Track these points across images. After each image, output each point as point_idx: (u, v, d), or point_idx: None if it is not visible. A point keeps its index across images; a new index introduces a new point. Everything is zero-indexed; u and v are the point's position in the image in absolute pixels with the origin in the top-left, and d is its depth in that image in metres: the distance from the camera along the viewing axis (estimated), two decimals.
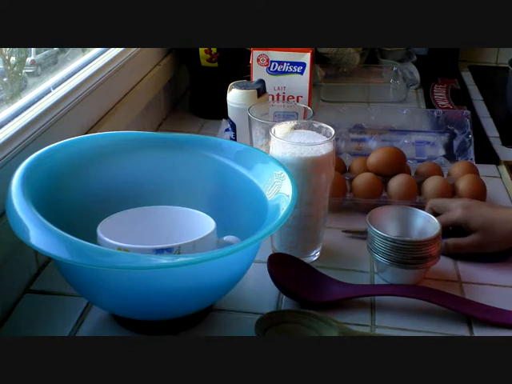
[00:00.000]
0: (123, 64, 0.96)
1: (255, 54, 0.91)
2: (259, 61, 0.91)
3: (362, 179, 0.85)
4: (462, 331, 0.64)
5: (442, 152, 1.00)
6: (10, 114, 0.71)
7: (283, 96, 0.93)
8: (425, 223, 0.72)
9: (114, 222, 0.65)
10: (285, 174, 0.65)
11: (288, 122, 0.74)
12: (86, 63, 0.90)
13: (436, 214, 0.75)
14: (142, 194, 0.71)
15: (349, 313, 0.67)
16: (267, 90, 0.89)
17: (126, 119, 0.96)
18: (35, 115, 0.72)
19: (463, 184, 0.84)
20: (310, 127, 0.73)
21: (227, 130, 0.94)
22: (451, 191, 0.85)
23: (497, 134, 1.12)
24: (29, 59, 0.84)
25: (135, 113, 1.00)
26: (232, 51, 1.10)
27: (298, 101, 0.92)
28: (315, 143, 0.70)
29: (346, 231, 0.81)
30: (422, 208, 0.76)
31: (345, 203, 0.86)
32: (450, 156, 0.99)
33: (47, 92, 0.78)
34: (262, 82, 0.88)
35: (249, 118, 0.79)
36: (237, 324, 0.65)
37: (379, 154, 0.88)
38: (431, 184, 0.85)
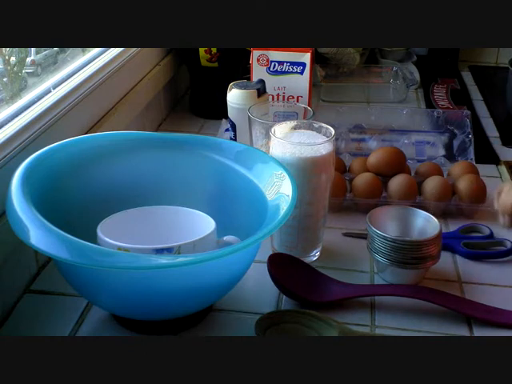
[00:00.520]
0: (123, 64, 0.96)
1: (255, 53, 0.91)
2: (259, 61, 0.91)
3: (362, 179, 0.85)
4: (462, 331, 0.64)
5: (441, 152, 1.00)
6: (10, 114, 0.71)
7: (283, 96, 0.93)
8: (425, 223, 0.72)
9: (114, 222, 0.65)
10: (285, 174, 0.65)
11: (288, 122, 0.74)
12: (86, 63, 0.90)
13: None
14: (142, 194, 0.71)
15: (349, 313, 0.67)
16: (267, 90, 0.89)
17: (126, 119, 0.96)
18: (35, 115, 0.72)
19: (463, 184, 0.84)
20: (310, 127, 0.73)
21: (227, 129, 0.94)
22: (451, 191, 0.85)
23: (497, 134, 1.12)
24: (29, 59, 0.84)
25: (135, 113, 1.00)
26: (232, 51, 1.10)
27: (297, 101, 0.92)
28: (315, 143, 0.70)
29: (346, 234, 0.81)
30: (422, 208, 0.76)
31: (345, 203, 0.86)
32: (450, 156, 0.99)
33: (47, 92, 0.78)
34: (262, 81, 0.88)
35: (249, 118, 0.79)
36: (237, 324, 0.65)
37: (379, 154, 0.88)
38: (431, 184, 0.85)
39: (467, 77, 1.41)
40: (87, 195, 0.68)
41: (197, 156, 0.72)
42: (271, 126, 0.72)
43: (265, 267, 0.68)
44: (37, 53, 0.86)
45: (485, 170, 0.95)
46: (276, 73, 0.92)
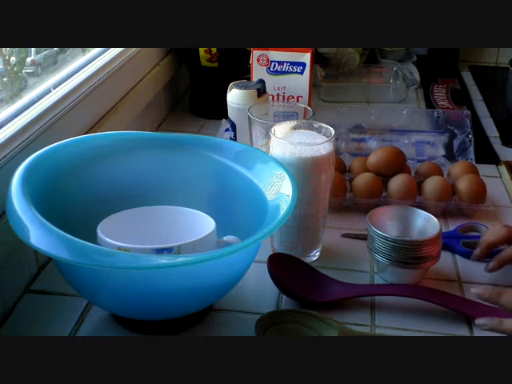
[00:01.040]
0: (123, 64, 0.96)
1: (255, 53, 0.91)
2: (259, 61, 0.91)
3: (362, 179, 0.85)
4: (462, 331, 0.64)
5: (442, 152, 1.00)
6: (10, 114, 0.71)
7: (283, 96, 0.93)
8: (425, 223, 0.72)
9: (114, 222, 0.65)
10: (285, 174, 0.65)
11: (288, 122, 0.74)
12: (86, 63, 0.90)
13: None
14: (142, 194, 0.71)
15: (349, 313, 0.67)
16: (267, 90, 0.89)
17: (126, 119, 0.96)
18: (35, 115, 0.72)
19: (463, 184, 0.84)
20: (310, 127, 0.73)
21: (227, 129, 0.94)
22: (451, 191, 0.85)
23: (497, 134, 1.12)
24: (29, 59, 0.84)
25: (135, 113, 1.00)
26: (232, 51, 1.10)
27: (297, 101, 0.92)
28: (315, 143, 0.70)
29: (345, 235, 0.81)
30: (422, 208, 0.76)
31: (345, 203, 0.86)
32: (450, 156, 0.99)
33: (47, 92, 0.78)
34: (262, 81, 0.88)
35: (249, 118, 0.79)
36: (237, 324, 0.65)
37: (379, 154, 0.88)
38: (431, 184, 0.85)
39: (467, 77, 1.41)
40: (87, 195, 0.68)
41: (197, 156, 0.72)
42: (271, 126, 0.72)
43: (265, 267, 0.68)
44: (37, 53, 0.86)
45: (485, 170, 0.95)
46: (276, 73, 0.92)
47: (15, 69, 0.80)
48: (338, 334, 0.61)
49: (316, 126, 0.73)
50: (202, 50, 1.09)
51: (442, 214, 0.84)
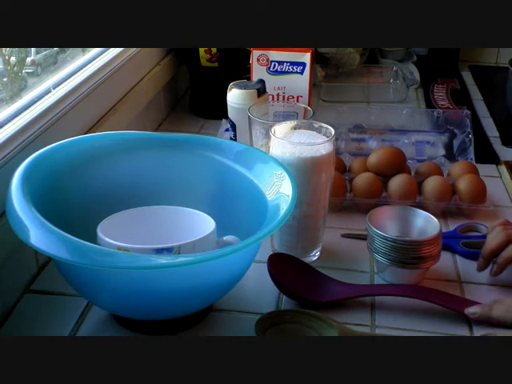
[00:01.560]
0: (123, 64, 0.96)
1: (255, 53, 0.91)
2: (259, 61, 0.91)
3: (362, 179, 0.85)
4: (462, 331, 0.64)
5: (442, 152, 1.00)
6: (10, 114, 0.71)
7: (283, 96, 0.93)
8: (425, 223, 0.72)
9: (114, 222, 0.65)
10: (285, 174, 0.65)
11: (288, 122, 0.74)
12: (86, 63, 0.90)
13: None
14: (142, 194, 0.71)
15: (349, 313, 0.67)
16: (267, 90, 0.89)
17: (126, 119, 0.96)
18: (35, 115, 0.72)
19: (463, 184, 0.84)
20: (310, 127, 0.73)
21: (227, 129, 0.94)
22: (451, 191, 0.85)
23: (497, 134, 1.12)
24: (29, 59, 0.84)
25: (135, 113, 1.00)
26: (232, 51, 1.10)
27: (297, 101, 0.92)
28: (315, 143, 0.70)
29: (345, 235, 0.81)
30: (422, 208, 0.76)
31: (345, 203, 0.86)
32: (450, 156, 0.99)
33: (47, 92, 0.78)
34: (262, 81, 0.88)
35: (249, 118, 0.79)
36: (237, 324, 0.65)
37: (379, 154, 0.88)
38: (431, 184, 0.85)
39: (467, 77, 1.41)
40: (87, 195, 0.68)
41: (197, 156, 0.72)
42: (271, 126, 0.72)
43: (265, 267, 0.68)
44: (37, 53, 0.86)
45: (485, 169, 0.95)
46: (276, 73, 0.92)
47: (15, 69, 0.80)
48: (338, 334, 0.61)
49: (316, 126, 0.73)
50: (202, 50, 1.09)
51: (442, 214, 0.84)
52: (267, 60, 0.91)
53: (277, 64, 0.91)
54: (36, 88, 0.78)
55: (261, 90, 0.87)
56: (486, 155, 1.02)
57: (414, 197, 0.84)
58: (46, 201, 0.60)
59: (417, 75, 1.33)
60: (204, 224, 0.65)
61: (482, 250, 0.73)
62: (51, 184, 0.63)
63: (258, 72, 0.92)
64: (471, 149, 0.99)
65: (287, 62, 0.91)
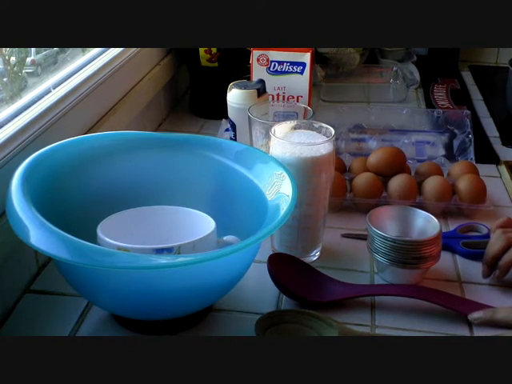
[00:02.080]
0: (123, 64, 0.96)
1: (255, 53, 0.91)
2: (259, 61, 0.91)
3: (362, 179, 0.85)
4: (462, 331, 0.64)
5: (442, 152, 1.00)
6: (10, 114, 0.71)
7: (283, 96, 0.93)
8: (425, 223, 0.72)
9: (114, 222, 0.65)
10: (285, 174, 0.64)
11: (288, 122, 0.74)
12: (86, 63, 0.90)
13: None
14: (142, 194, 0.71)
15: (349, 313, 0.67)
16: (267, 90, 0.89)
17: (126, 119, 0.96)
18: (35, 115, 0.72)
19: (463, 184, 0.84)
20: (310, 127, 0.73)
21: (227, 129, 0.94)
22: (451, 191, 0.85)
23: (497, 134, 1.12)
24: (29, 59, 0.84)
25: (135, 113, 1.00)
26: (232, 51, 1.10)
27: (297, 101, 0.92)
28: (315, 143, 0.70)
29: (345, 235, 0.81)
30: (422, 208, 0.76)
31: (345, 203, 0.86)
32: (450, 156, 0.99)
33: (47, 92, 0.78)
34: (262, 81, 0.88)
35: (249, 118, 0.79)
36: (237, 324, 0.65)
37: (379, 154, 0.88)
38: (431, 184, 0.85)
39: (467, 77, 1.41)
40: (87, 195, 0.68)
41: (197, 156, 0.72)
42: (271, 126, 0.72)
43: (265, 267, 0.68)
44: (37, 53, 0.86)
45: (485, 169, 0.95)
46: (276, 73, 0.92)
47: (15, 69, 0.80)
48: (338, 334, 0.61)
49: (316, 125, 0.73)
50: (202, 50, 1.09)
51: (442, 214, 0.84)
52: (267, 60, 0.91)
53: (277, 64, 0.91)
54: (36, 88, 0.78)
55: (261, 90, 0.87)
56: (486, 155, 1.02)
57: (414, 197, 0.84)
58: (46, 201, 0.60)
59: (417, 75, 1.33)
60: (204, 224, 0.65)
61: (484, 256, 0.72)
62: (51, 184, 0.63)
63: (257, 72, 0.92)
64: (471, 149, 0.99)
65: (287, 62, 0.91)
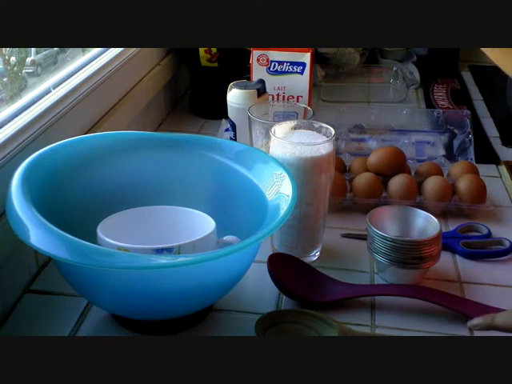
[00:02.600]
0: (123, 64, 0.96)
1: (255, 53, 0.91)
2: (259, 61, 0.91)
3: (362, 179, 0.85)
4: (461, 331, 0.64)
5: (442, 152, 1.00)
6: (10, 114, 0.71)
7: (283, 96, 0.93)
8: (425, 223, 0.72)
9: (114, 222, 0.65)
10: (285, 174, 0.65)
11: (288, 122, 0.74)
12: (86, 63, 0.90)
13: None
14: (142, 194, 0.71)
15: (349, 313, 0.67)
16: (267, 90, 0.89)
17: (126, 119, 0.96)
18: (35, 115, 0.72)
19: (463, 184, 0.84)
20: (310, 127, 0.73)
21: (227, 129, 0.94)
22: (451, 191, 0.85)
23: (497, 134, 1.12)
24: (29, 59, 0.84)
25: (135, 113, 1.00)
26: (232, 51, 1.10)
27: (297, 101, 0.92)
28: (315, 143, 0.70)
29: (345, 235, 0.81)
30: (422, 208, 0.76)
31: (345, 203, 0.86)
32: (450, 156, 0.99)
33: (47, 92, 0.78)
34: (262, 81, 0.88)
35: (249, 118, 0.79)
36: (237, 324, 0.65)
37: (379, 154, 0.88)
38: (431, 184, 0.85)
39: (467, 77, 1.41)
40: (87, 195, 0.68)
41: (197, 156, 0.72)
42: (271, 126, 0.72)
43: (265, 267, 0.68)
44: (37, 53, 0.86)
45: (485, 170, 0.95)
46: (276, 73, 0.92)
47: (15, 69, 0.80)
48: (338, 333, 0.61)
49: (316, 125, 0.73)
50: (202, 50, 1.09)
51: (442, 214, 0.84)
52: (267, 60, 0.91)
53: (277, 64, 0.91)
54: (36, 88, 0.78)
55: (261, 90, 0.87)
56: (486, 155, 1.02)
57: (414, 197, 0.84)
58: (46, 201, 0.60)
59: (417, 75, 1.33)
60: (204, 224, 0.65)
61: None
62: (51, 184, 0.63)
63: (257, 72, 0.92)
64: (471, 149, 0.99)
65: (287, 62, 0.91)
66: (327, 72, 1.31)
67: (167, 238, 0.63)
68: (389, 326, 0.65)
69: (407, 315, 0.67)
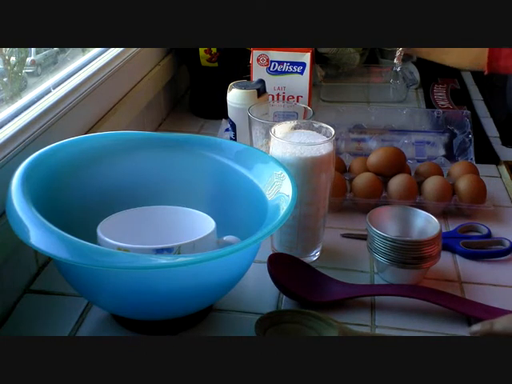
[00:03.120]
0: (123, 64, 0.96)
1: (255, 53, 0.91)
2: (259, 61, 0.91)
3: (362, 179, 0.85)
4: (461, 331, 0.64)
5: (442, 152, 1.00)
6: (10, 114, 0.71)
7: (283, 96, 0.93)
8: (425, 223, 0.72)
9: (114, 222, 0.65)
10: (285, 174, 0.64)
11: (288, 122, 0.74)
12: (86, 63, 0.90)
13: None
14: (142, 194, 0.71)
15: (349, 313, 0.67)
16: (267, 90, 0.89)
17: (126, 119, 0.96)
18: (35, 115, 0.72)
19: (463, 184, 0.84)
20: (310, 127, 0.73)
21: (227, 129, 0.94)
22: (451, 191, 0.85)
23: (497, 134, 1.12)
24: (29, 59, 0.84)
25: (135, 113, 1.00)
26: (232, 51, 1.10)
27: (297, 101, 0.92)
28: (315, 143, 0.70)
29: (345, 235, 0.81)
30: (422, 208, 0.76)
31: (345, 203, 0.86)
32: (450, 156, 0.99)
33: (47, 92, 0.78)
34: (262, 81, 0.88)
35: (249, 118, 0.79)
36: (237, 324, 0.65)
37: (379, 154, 0.88)
38: (431, 184, 0.85)
39: (467, 77, 1.41)
40: (87, 195, 0.68)
41: (197, 156, 0.72)
42: (271, 126, 0.72)
43: (265, 267, 0.68)
44: (37, 53, 0.86)
45: (485, 170, 0.95)
46: (276, 73, 0.92)
47: (15, 69, 0.80)
48: (338, 334, 0.61)
49: (316, 125, 0.73)
50: (202, 50, 1.09)
51: (442, 214, 0.84)
52: (267, 60, 0.91)
53: (277, 64, 0.91)
54: (36, 88, 0.78)
55: (261, 90, 0.87)
56: (486, 155, 1.02)
57: (414, 197, 0.84)
58: (46, 201, 0.60)
59: (417, 75, 1.33)
60: (204, 224, 0.65)
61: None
62: (51, 184, 0.63)
63: (257, 72, 0.92)
64: (471, 149, 0.99)
65: (287, 62, 0.91)
66: (327, 72, 1.31)
67: (167, 238, 0.63)
68: (389, 326, 0.65)
69: (407, 315, 0.67)
